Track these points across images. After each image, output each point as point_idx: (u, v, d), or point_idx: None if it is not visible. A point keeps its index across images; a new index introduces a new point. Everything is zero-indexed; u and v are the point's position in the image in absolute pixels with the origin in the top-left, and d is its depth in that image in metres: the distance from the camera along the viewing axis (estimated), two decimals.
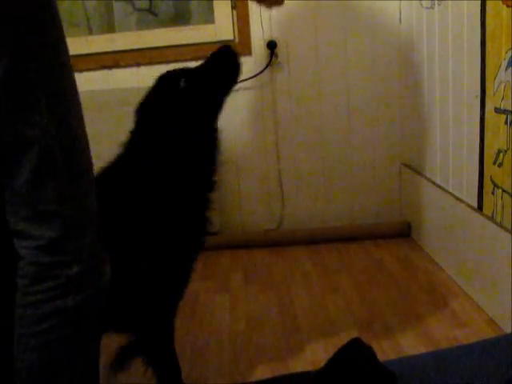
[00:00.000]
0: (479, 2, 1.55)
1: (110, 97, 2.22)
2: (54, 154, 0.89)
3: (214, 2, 2.27)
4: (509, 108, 1.44)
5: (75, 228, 0.93)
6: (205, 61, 1.23)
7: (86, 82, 2.28)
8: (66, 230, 0.91)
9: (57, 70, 0.92)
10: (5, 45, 0.82)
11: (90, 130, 2.56)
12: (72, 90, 0.96)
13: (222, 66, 1.21)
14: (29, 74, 0.85)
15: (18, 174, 0.87)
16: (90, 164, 0.98)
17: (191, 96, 1.18)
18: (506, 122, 1.46)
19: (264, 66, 2.28)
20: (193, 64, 2.31)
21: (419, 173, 2.20)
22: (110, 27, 2.37)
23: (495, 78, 1.50)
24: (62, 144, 0.89)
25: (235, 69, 1.23)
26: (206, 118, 1.20)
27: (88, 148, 0.97)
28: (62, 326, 0.91)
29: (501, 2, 1.44)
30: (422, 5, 2.04)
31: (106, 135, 2.28)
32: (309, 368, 1.41)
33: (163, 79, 1.24)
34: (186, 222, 1.15)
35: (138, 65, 2.29)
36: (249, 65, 2.29)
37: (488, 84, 1.55)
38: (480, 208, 1.66)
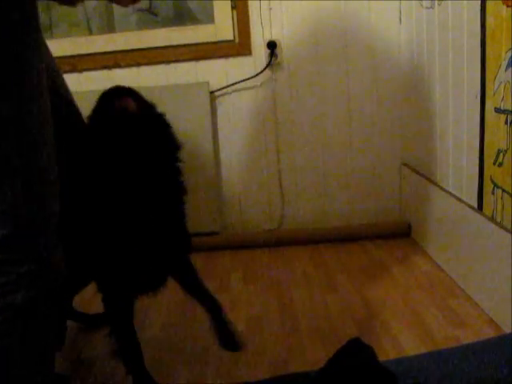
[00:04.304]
0: (479, 2, 1.55)
1: None
2: (12, 155, 0.90)
3: (214, 2, 2.27)
4: (509, 108, 1.44)
5: (28, 228, 0.94)
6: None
7: (86, 82, 2.28)
8: (18, 230, 0.92)
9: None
10: None
11: None
12: (35, 90, 0.95)
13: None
14: None
15: None
16: (52, 166, 0.99)
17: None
18: (506, 122, 1.46)
19: (264, 66, 2.28)
20: (192, 64, 2.33)
21: (419, 173, 2.20)
22: (110, 27, 2.37)
23: (495, 78, 1.50)
24: (21, 146, 0.91)
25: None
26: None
27: (52, 150, 0.98)
28: (10, 321, 0.93)
29: (501, 1, 1.44)
30: (422, 5, 2.04)
31: None
32: (309, 368, 1.41)
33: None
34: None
35: (138, 65, 2.29)
36: (249, 65, 2.29)
37: (488, 84, 1.55)
38: (480, 208, 1.66)
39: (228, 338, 1.42)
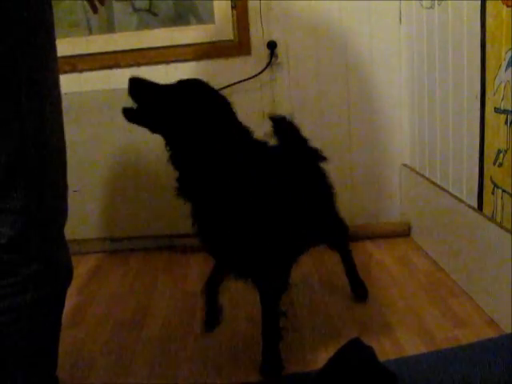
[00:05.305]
0: (479, 2, 1.55)
1: (110, 97, 2.22)
2: (29, 152, 0.89)
3: (214, 2, 2.27)
4: (509, 108, 1.44)
5: (37, 228, 0.93)
6: None
7: (86, 82, 2.28)
8: (27, 229, 0.91)
9: (40, 62, 0.91)
10: None
11: (91, 129, 2.57)
12: (53, 88, 0.95)
13: None
14: (15, 62, 0.85)
15: None
16: (63, 163, 0.99)
17: None
18: (506, 122, 1.46)
19: (264, 66, 2.28)
20: (192, 64, 2.32)
21: (419, 173, 2.20)
22: (109, 27, 2.37)
23: (495, 78, 1.50)
24: (37, 146, 0.90)
25: None
26: None
27: (63, 146, 0.98)
28: (18, 321, 0.92)
29: (501, 1, 1.44)
30: (422, 5, 2.04)
31: (106, 135, 2.29)
32: (309, 368, 1.41)
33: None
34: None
35: (138, 65, 2.29)
36: (249, 65, 2.29)
37: (488, 84, 1.55)
38: (480, 208, 1.66)
39: (360, 289, 1.82)
